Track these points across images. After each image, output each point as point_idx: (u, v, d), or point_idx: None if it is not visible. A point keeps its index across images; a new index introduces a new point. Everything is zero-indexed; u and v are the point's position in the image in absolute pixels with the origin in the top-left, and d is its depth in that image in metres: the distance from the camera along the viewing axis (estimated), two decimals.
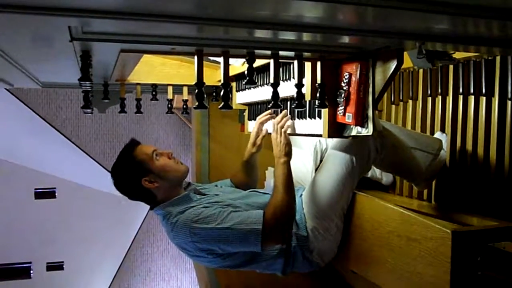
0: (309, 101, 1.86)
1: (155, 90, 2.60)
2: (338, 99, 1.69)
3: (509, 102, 1.96)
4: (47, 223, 7.15)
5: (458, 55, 1.96)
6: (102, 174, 6.83)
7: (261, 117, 2.22)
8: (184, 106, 2.74)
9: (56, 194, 7.05)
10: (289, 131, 2.04)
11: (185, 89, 2.71)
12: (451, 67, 2.20)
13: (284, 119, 2.05)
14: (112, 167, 2.06)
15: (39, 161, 6.90)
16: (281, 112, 2.09)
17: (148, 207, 2.11)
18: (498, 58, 1.98)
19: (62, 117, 6.96)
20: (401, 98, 2.57)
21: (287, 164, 1.97)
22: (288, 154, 1.99)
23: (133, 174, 1.98)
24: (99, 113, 2.79)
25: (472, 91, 2.11)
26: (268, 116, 2.19)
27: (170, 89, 2.66)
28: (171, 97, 2.68)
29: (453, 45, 1.50)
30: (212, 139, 3.21)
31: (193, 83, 1.49)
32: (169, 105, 2.68)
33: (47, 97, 6.83)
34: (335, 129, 1.77)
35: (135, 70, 2.22)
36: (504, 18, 1.15)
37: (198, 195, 2.06)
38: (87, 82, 1.45)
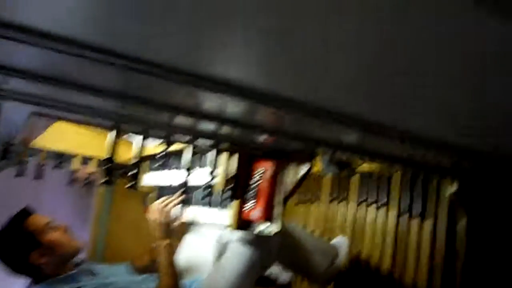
0: (220, 192, 1.86)
1: (61, 157, 2.47)
2: (248, 194, 1.72)
3: (405, 215, 2.09)
4: None
5: (363, 166, 2.10)
6: None
7: (163, 201, 2.13)
8: (89, 179, 2.62)
9: None
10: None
11: (93, 161, 2.61)
12: (356, 176, 2.34)
13: (169, 200, 2.00)
14: None
15: None
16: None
17: None
18: (398, 174, 2.14)
19: None
20: (306, 199, 2.66)
21: (169, 247, 1.91)
22: (169, 235, 1.93)
23: (21, 245, 1.83)
24: None
25: (372, 200, 2.24)
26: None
27: (77, 158, 2.55)
28: (77, 167, 2.56)
29: (360, 157, 1.61)
30: (113, 217, 3.06)
31: (103, 156, 1.44)
32: (73, 176, 2.54)
33: None
34: (242, 222, 1.78)
35: (43, 134, 2.11)
36: (406, 140, 1.26)
37: (89, 275, 1.93)
38: None
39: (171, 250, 1.90)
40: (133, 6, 0.62)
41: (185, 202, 2.02)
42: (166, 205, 1.97)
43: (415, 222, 2.04)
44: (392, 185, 2.17)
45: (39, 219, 1.91)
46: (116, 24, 0.69)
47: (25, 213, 1.93)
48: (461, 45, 0.65)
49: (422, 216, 2.01)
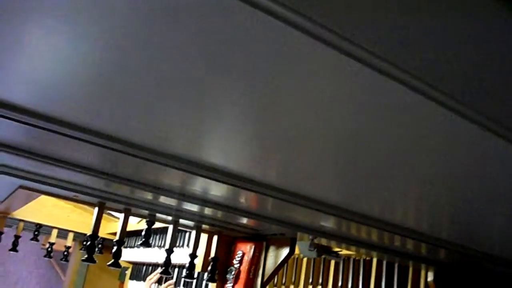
0: (199, 273, 1.85)
1: (38, 230, 2.44)
2: (227, 276, 1.71)
3: None
4: None
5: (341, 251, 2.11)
6: None
7: (151, 277, 2.12)
8: (65, 253, 2.56)
9: None
10: None
11: (70, 235, 2.57)
12: (333, 261, 2.34)
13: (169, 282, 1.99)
14: None
15: None
16: (166, 280, 2.04)
17: None
18: (374, 260, 2.15)
19: None
20: (283, 282, 2.62)
21: None
22: None
23: None
24: None
25: (349, 285, 2.22)
26: (158, 276, 2.10)
27: (54, 232, 2.51)
28: (53, 241, 2.51)
29: (337, 243, 1.63)
30: None
31: (81, 230, 1.44)
32: (49, 249, 2.49)
33: None
34: None
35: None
36: (382, 228, 1.30)
37: None
38: None
39: None
40: (126, 92, 0.66)
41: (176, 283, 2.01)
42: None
43: None
44: (369, 270, 2.17)
45: None
46: (106, 107, 0.72)
47: None
48: (440, 151, 0.71)
49: None
